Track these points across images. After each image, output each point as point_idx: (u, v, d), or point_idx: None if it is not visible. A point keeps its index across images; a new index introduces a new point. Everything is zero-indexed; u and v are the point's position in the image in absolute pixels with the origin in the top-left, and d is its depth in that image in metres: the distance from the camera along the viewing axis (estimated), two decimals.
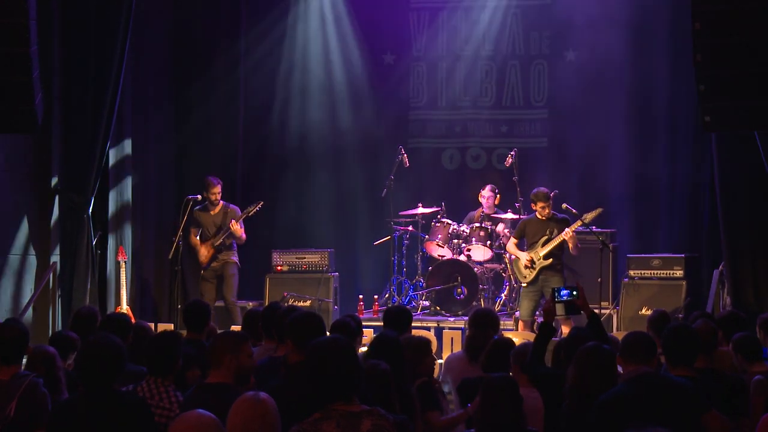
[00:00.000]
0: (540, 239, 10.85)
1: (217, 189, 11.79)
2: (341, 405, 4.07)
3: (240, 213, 11.81)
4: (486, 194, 12.54)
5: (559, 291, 6.42)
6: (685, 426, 4.87)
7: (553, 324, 6.50)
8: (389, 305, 11.86)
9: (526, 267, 10.89)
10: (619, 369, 5.36)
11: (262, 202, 11.91)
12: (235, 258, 11.91)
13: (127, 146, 12.12)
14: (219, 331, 6.78)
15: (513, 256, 11.26)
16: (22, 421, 5.27)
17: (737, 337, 6.53)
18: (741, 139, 10.50)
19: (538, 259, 10.82)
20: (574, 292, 6.33)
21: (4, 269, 10.04)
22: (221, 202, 11.91)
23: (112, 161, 11.60)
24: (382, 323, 7.19)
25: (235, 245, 11.94)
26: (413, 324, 11.42)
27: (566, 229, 10.74)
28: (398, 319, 6.88)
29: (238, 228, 11.64)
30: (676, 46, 12.60)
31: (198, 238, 11.90)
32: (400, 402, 5.27)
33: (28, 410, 5.29)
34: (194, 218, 11.88)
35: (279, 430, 4.02)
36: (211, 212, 11.88)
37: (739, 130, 10.03)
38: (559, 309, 6.36)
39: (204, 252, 11.84)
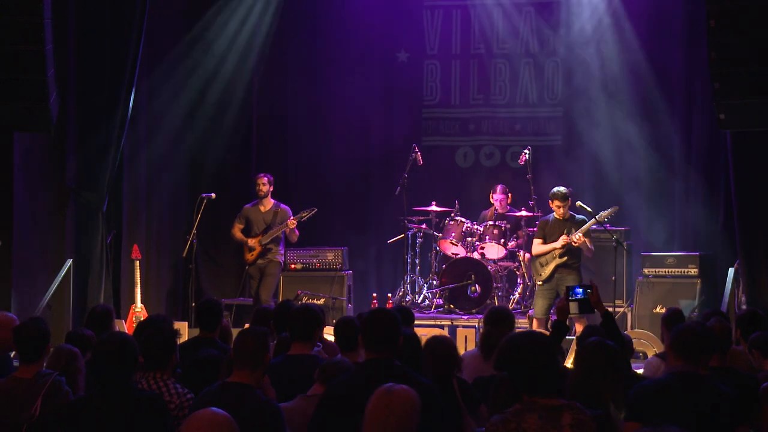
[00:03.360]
0: (558, 239, 10.83)
1: (262, 180, 11.85)
2: (541, 398, 4.17)
3: (290, 213, 11.79)
4: (498, 197, 12.53)
5: (572, 289, 6.40)
6: None
7: (567, 323, 6.48)
8: (396, 304, 11.89)
9: (562, 247, 10.78)
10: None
11: (315, 209, 11.89)
12: (279, 258, 11.92)
13: (142, 145, 12.16)
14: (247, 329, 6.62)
15: (531, 255, 11.24)
16: (47, 420, 5.28)
17: (754, 335, 6.52)
18: (756, 136, 10.45)
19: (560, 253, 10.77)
20: (588, 291, 6.31)
21: (20, 267, 10.07)
22: (272, 200, 11.91)
23: (126, 160, 11.63)
24: None
25: (282, 244, 11.95)
26: (428, 323, 11.57)
27: (568, 237, 10.71)
28: (402, 318, 6.85)
29: (292, 222, 11.60)
30: (691, 43, 12.55)
31: (242, 234, 11.92)
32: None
33: (52, 409, 5.31)
34: (243, 213, 11.94)
35: (414, 421, 4.06)
36: (261, 209, 11.89)
37: (755, 127, 9.99)
38: (573, 307, 6.34)
39: (251, 249, 11.82)
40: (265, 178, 11.89)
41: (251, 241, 11.77)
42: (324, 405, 4.85)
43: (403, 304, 12.18)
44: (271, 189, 11.93)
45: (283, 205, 11.91)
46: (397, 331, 4.92)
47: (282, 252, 11.94)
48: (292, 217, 11.68)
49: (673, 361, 5.10)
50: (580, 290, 6.34)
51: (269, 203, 11.90)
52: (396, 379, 4.69)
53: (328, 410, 4.81)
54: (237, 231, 11.95)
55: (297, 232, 11.82)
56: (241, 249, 12.08)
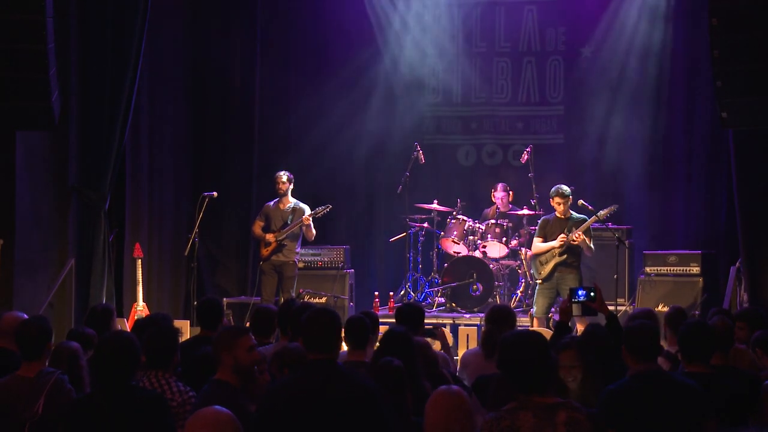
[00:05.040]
0: (558, 238, 10.83)
1: (282, 179, 11.79)
2: (536, 397, 4.18)
3: (308, 212, 11.78)
4: (499, 194, 12.54)
5: (576, 291, 6.40)
6: (689, 429, 4.82)
7: (569, 323, 6.48)
8: (402, 303, 11.87)
9: (560, 247, 10.75)
10: None
11: (330, 206, 11.84)
12: (296, 258, 11.90)
13: (144, 144, 12.17)
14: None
15: (531, 254, 11.24)
16: (50, 418, 5.30)
17: (758, 334, 6.52)
18: (758, 134, 10.44)
19: (563, 246, 10.74)
20: (592, 293, 6.30)
21: (22, 266, 10.07)
22: (292, 198, 11.91)
23: (128, 158, 11.63)
24: (394, 320, 7.19)
25: (299, 243, 11.95)
26: (429, 321, 11.54)
27: (567, 236, 10.68)
28: (411, 316, 6.87)
29: (306, 218, 11.59)
30: (694, 42, 12.55)
31: (261, 230, 11.91)
32: (414, 398, 5.24)
33: (55, 407, 5.32)
34: (263, 211, 11.95)
35: (473, 418, 4.29)
36: (281, 206, 11.90)
37: (757, 126, 9.98)
38: (576, 309, 6.35)
39: (267, 244, 11.81)
40: (285, 176, 11.85)
41: (268, 236, 11.78)
42: (266, 406, 4.74)
43: (404, 302, 12.18)
44: (291, 187, 11.90)
45: (302, 204, 11.91)
46: (339, 331, 4.87)
47: (298, 251, 11.91)
48: (306, 214, 11.68)
49: (633, 363, 5.04)
50: (584, 292, 6.34)
51: (288, 201, 11.89)
52: (338, 380, 4.67)
53: (271, 412, 4.69)
54: (257, 228, 11.96)
55: (314, 230, 11.79)
56: (250, 246, 12.10)
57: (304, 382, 4.69)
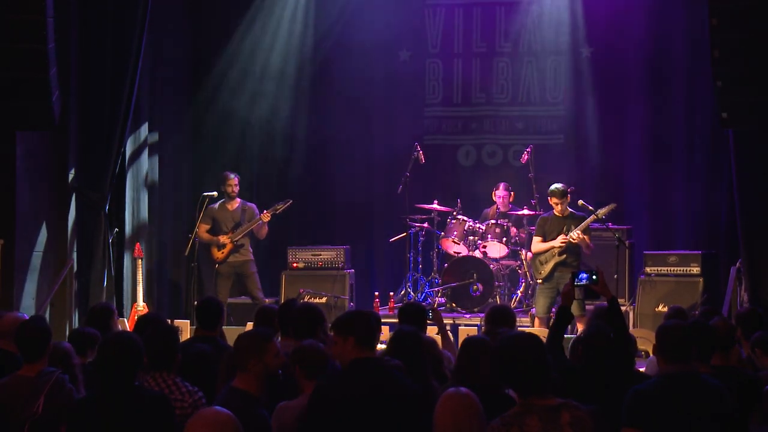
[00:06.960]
0: (557, 237, 10.84)
1: (234, 181, 11.81)
2: (537, 399, 4.18)
3: (257, 211, 11.80)
4: (501, 194, 12.55)
5: (577, 275, 6.37)
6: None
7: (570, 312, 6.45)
8: (405, 302, 11.87)
9: (561, 244, 10.77)
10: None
11: (291, 201, 11.87)
12: (252, 256, 11.92)
13: (145, 144, 12.16)
14: (246, 330, 6.61)
15: (531, 254, 11.25)
16: (50, 418, 5.31)
17: (757, 334, 6.52)
18: (759, 134, 10.43)
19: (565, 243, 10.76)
20: (594, 276, 6.26)
21: (22, 266, 10.08)
22: (238, 199, 11.91)
23: (129, 159, 11.63)
24: (397, 320, 7.18)
25: (251, 242, 11.95)
26: (429, 321, 11.53)
27: (566, 235, 10.70)
28: (414, 316, 6.87)
29: (266, 215, 11.59)
30: (694, 42, 12.55)
31: (208, 233, 11.84)
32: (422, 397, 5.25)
33: (55, 407, 5.33)
34: (207, 213, 11.81)
35: (483, 419, 4.28)
36: (229, 208, 11.87)
37: (757, 125, 9.97)
38: (578, 293, 6.29)
39: (221, 246, 11.80)
40: (236, 178, 11.87)
41: (222, 239, 11.73)
42: (316, 406, 4.81)
43: (404, 302, 12.17)
44: (238, 189, 11.92)
45: (249, 203, 11.94)
46: (379, 329, 4.99)
47: (251, 249, 11.93)
48: (265, 211, 11.67)
49: (662, 364, 5.02)
50: (585, 275, 6.30)
51: (236, 202, 11.89)
52: (386, 379, 4.69)
53: (322, 411, 4.78)
54: (203, 231, 11.84)
55: (267, 228, 11.79)
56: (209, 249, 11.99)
57: (359, 380, 4.76)
